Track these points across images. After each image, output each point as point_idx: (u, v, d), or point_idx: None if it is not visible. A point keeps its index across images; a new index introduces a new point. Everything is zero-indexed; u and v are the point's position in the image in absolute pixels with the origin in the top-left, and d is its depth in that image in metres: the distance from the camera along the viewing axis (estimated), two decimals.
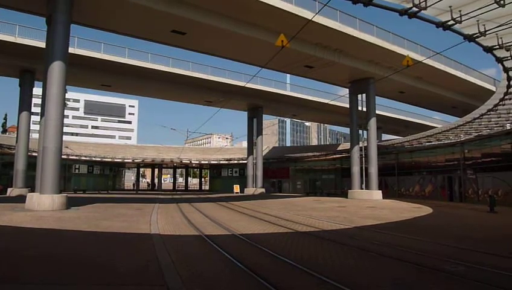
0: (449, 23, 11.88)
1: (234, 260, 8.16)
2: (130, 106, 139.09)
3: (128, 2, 23.27)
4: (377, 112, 39.32)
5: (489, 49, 13.70)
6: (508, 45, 13.78)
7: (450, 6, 11.67)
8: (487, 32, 12.45)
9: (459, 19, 11.73)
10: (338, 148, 55.97)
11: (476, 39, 12.69)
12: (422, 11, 11.18)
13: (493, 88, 40.63)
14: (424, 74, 36.07)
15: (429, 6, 11.05)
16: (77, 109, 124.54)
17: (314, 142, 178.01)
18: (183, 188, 76.38)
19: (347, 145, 46.81)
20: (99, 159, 55.70)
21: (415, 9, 11.05)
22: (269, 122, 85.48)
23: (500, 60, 15.35)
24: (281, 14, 25.28)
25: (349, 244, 10.56)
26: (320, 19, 26.21)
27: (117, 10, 24.62)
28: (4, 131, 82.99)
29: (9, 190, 33.47)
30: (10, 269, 7.18)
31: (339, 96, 42.23)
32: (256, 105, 49.22)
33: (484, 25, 12.16)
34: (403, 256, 8.70)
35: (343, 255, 9.12)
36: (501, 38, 13.45)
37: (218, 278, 7.03)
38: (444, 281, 6.89)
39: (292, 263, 7.90)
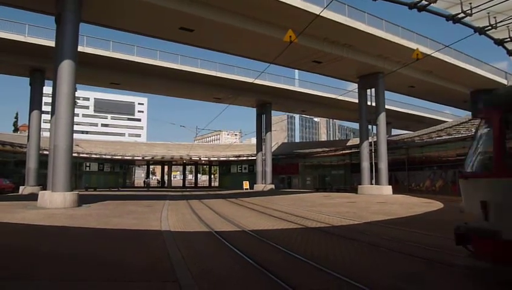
0: (459, 16, 11.73)
1: (244, 256, 8.18)
2: (139, 103, 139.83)
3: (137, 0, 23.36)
4: (387, 106, 39.06)
5: (500, 42, 13.52)
6: None
7: None
8: (498, 25, 12.28)
9: (469, 11, 11.57)
10: (347, 144, 55.71)
11: (487, 32, 12.53)
12: (432, 4, 11.05)
13: (505, 81, 40.12)
14: (434, 67, 35.69)
15: None
16: (87, 107, 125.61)
17: (323, 137, 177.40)
18: (193, 185, 76.67)
19: (356, 141, 46.55)
20: (109, 157, 56.10)
21: (424, 2, 10.93)
22: (278, 118, 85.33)
23: (511, 53, 15.15)
24: (289, 9, 25.18)
25: (360, 239, 10.52)
26: (328, 14, 26.07)
27: (125, 8, 24.73)
28: (16, 130, 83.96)
29: (21, 188, 33.88)
30: (23, 266, 7.27)
31: (347, 92, 42.09)
32: (265, 101, 49.15)
33: (495, 17, 11.99)
34: (414, 251, 8.64)
35: (354, 251, 9.09)
36: None
37: (229, 274, 7.06)
38: (455, 276, 6.84)
39: (303, 258, 7.89)
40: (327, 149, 53.85)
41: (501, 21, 12.04)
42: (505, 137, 5.79)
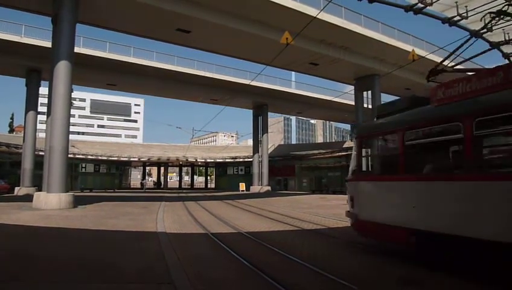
0: (455, 18, 11.76)
1: (240, 258, 8.16)
2: (135, 104, 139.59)
3: (134, 1, 23.33)
4: None
5: (496, 45, 13.54)
6: None
7: (456, 2, 11.56)
8: (494, 28, 12.32)
9: (465, 14, 11.61)
10: (344, 146, 55.80)
11: (483, 35, 12.56)
12: (428, 7, 11.08)
13: None
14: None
15: (435, 2, 10.95)
16: (83, 108, 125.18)
17: (319, 139, 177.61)
18: (189, 187, 76.57)
19: (353, 143, 46.58)
20: (105, 158, 55.98)
21: (420, 5, 10.95)
22: (274, 120, 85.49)
23: (507, 56, 15.18)
24: (286, 11, 25.23)
25: (356, 241, 10.51)
26: (325, 16, 26.13)
27: (122, 9, 24.70)
28: (11, 130, 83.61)
29: (16, 189, 33.72)
30: (18, 268, 7.22)
31: (343, 93, 42.07)
32: (262, 103, 49.18)
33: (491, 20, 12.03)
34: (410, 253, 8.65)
35: (349, 253, 9.10)
36: (508, 33, 13.31)
37: (225, 276, 7.03)
38: None
39: (299, 261, 7.88)
40: (323, 151, 53.92)
41: (496, 23, 12.09)
42: (361, 154, 9.46)
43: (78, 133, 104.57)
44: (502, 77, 6.31)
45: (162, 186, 70.38)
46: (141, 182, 67.84)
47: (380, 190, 8.53)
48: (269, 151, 53.93)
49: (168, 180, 78.24)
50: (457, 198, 6.54)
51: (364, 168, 9.71)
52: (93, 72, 35.38)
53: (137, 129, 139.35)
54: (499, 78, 6.35)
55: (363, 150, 9.60)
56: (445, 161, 7.64)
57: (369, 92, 37.47)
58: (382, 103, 37.85)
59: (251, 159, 53.88)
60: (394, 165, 8.16)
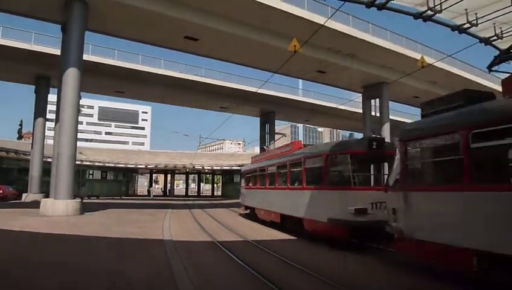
0: (465, 26, 11.69)
1: (247, 267, 8.09)
2: (143, 112, 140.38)
3: (142, 9, 23.49)
4: (391, 116, 38.92)
5: (506, 52, 13.42)
6: None
7: (466, 9, 11.48)
8: (504, 35, 12.23)
9: (475, 21, 11.53)
10: None
11: (493, 42, 12.47)
12: (437, 14, 11.02)
13: None
14: (439, 78, 35.61)
15: (444, 9, 10.89)
16: (91, 116, 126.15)
17: None
18: (196, 194, 76.53)
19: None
20: (112, 165, 56.14)
21: (429, 12, 10.89)
22: (282, 127, 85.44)
23: None
24: (294, 19, 25.25)
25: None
26: (333, 24, 26.12)
27: (130, 17, 24.86)
28: (20, 137, 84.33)
29: (24, 195, 33.88)
30: (25, 275, 7.21)
31: (348, 101, 41.88)
32: (269, 110, 49.09)
33: (501, 27, 11.95)
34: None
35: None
36: None
37: (232, 285, 6.96)
38: None
39: (309, 271, 7.79)
40: None
41: (506, 31, 12.00)
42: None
43: (86, 140, 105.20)
44: None
45: (168, 193, 70.43)
46: (148, 189, 67.95)
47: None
48: None
49: (175, 187, 78.27)
50: None
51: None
52: (102, 79, 35.58)
53: (144, 136, 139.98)
54: None
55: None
56: None
57: (377, 99, 37.30)
58: (390, 110, 37.64)
59: None
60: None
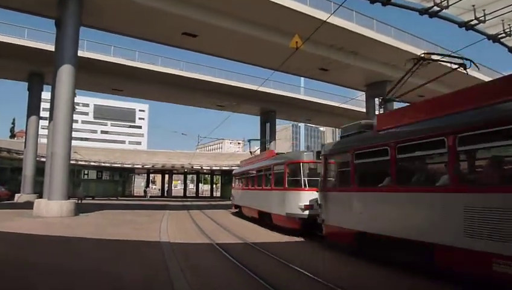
0: (472, 22, 11.69)
1: (246, 269, 8.07)
2: (140, 110, 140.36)
3: (139, 4, 23.46)
4: None
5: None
6: None
7: (473, 5, 11.50)
8: None
9: (482, 18, 11.53)
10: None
11: (501, 39, 12.46)
12: (444, 10, 11.01)
13: None
14: (444, 76, 35.56)
15: (451, 5, 10.89)
16: (86, 114, 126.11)
17: None
18: (194, 195, 76.48)
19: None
20: (108, 165, 56.10)
21: (436, 8, 10.90)
22: (282, 126, 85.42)
23: None
24: (295, 15, 25.22)
25: None
26: (336, 20, 26.08)
27: (127, 12, 24.83)
28: (12, 136, 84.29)
29: (17, 195, 33.80)
30: (20, 277, 7.19)
31: (351, 99, 41.86)
32: (269, 109, 49.10)
33: (509, 24, 11.94)
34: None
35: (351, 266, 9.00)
36: None
37: (230, 288, 6.95)
38: None
39: (310, 275, 7.78)
40: None
41: None
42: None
43: (81, 139, 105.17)
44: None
45: (166, 194, 70.38)
46: (144, 190, 67.92)
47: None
48: None
49: (173, 188, 78.21)
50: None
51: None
52: (98, 76, 35.56)
53: (141, 135, 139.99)
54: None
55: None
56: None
57: (381, 98, 37.29)
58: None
59: None
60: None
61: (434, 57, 11.21)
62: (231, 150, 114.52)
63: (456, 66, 10.49)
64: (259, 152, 27.99)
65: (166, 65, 37.12)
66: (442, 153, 7.30)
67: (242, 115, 66.01)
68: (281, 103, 46.65)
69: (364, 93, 39.04)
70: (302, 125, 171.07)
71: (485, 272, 6.07)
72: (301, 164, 14.50)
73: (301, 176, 14.25)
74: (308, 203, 13.48)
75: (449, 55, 11.13)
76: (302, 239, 13.34)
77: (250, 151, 28.87)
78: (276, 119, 52.52)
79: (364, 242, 9.25)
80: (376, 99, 37.77)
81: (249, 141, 31.32)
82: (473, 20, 11.55)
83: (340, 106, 40.06)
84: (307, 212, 13.45)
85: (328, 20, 18.38)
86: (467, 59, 10.58)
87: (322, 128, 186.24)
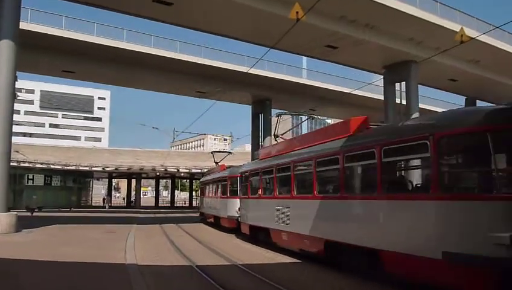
0: None
1: None
2: (99, 98, 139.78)
3: None
4: (421, 105, 39.08)
5: None
6: None
7: None
8: None
9: None
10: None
11: None
12: None
13: None
14: (483, 56, 35.80)
15: None
16: (31, 102, 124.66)
17: None
18: (169, 205, 76.42)
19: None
20: (59, 167, 55.89)
21: None
22: (281, 119, 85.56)
23: None
24: None
25: None
26: None
27: None
28: None
29: None
30: None
31: (365, 84, 41.98)
32: (263, 97, 49.03)
33: None
34: None
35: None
36: None
37: None
38: None
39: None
40: None
41: None
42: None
43: (24, 134, 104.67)
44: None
45: (133, 204, 70.19)
46: (103, 198, 67.77)
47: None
48: None
49: (141, 196, 78.08)
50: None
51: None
52: (46, 55, 35.23)
53: (101, 130, 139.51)
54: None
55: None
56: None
57: (403, 83, 37.37)
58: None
59: None
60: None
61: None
62: (215, 148, 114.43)
63: None
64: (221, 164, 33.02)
65: (133, 41, 36.88)
66: (309, 172, 13.45)
67: (229, 105, 65.78)
68: (278, 89, 46.65)
69: (382, 77, 39.14)
70: (304, 116, 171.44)
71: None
72: (238, 178, 22.89)
73: (238, 187, 23.03)
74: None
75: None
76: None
77: (215, 162, 33.47)
78: (272, 110, 52.53)
79: (254, 231, 18.40)
80: (397, 85, 37.87)
81: (212, 153, 36.82)
82: None
83: (352, 92, 40.07)
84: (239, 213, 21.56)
85: None
86: None
87: (329, 121, 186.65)
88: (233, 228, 22.25)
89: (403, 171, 10.88)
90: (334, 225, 11.55)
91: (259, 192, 17.47)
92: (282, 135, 19.73)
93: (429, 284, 8.07)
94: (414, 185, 9.66)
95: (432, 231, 8.03)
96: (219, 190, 26.28)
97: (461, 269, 7.36)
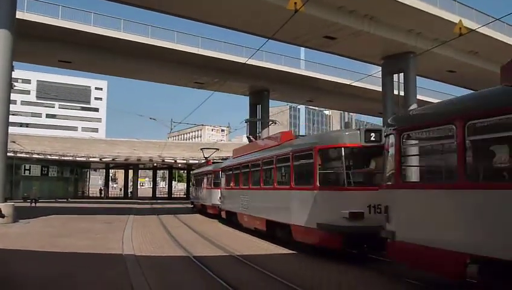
0: None
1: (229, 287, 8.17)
2: (96, 88, 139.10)
3: None
4: (419, 97, 39.06)
5: None
6: None
7: None
8: None
9: None
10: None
11: None
12: None
13: None
14: (481, 47, 35.78)
15: None
16: (28, 92, 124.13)
17: None
18: (166, 196, 76.46)
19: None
20: (56, 158, 55.79)
21: None
22: (278, 109, 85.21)
23: None
24: None
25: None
26: None
27: None
28: None
29: None
30: None
31: (365, 76, 41.95)
32: (261, 88, 48.95)
33: None
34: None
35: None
36: None
37: None
38: None
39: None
40: None
41: None
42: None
43: (21, 124, 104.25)
44: None
45: (130, 195, 70.21)
46: (101, 189, 67.72)
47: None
48: None
49: (139, 187, 78.06)
50: None
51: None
52: (42, 45, 35.08)
53: (98, 120, 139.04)
54: None
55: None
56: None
57: (401, 74, 37.32)
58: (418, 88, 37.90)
59: None
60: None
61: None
62: (213, 139, 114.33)
63: None
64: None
65: (130, 31, 36.73)
66: (258, 170, 17.63)
67: (227, 95, 65.77)
68: (275, 80, 46.56)
69: (380, 68, 39.09)
70: (302, 107, 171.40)
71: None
72: (220, 172, 26.21)
73: (219, 180, 26.37)
74: (220, 197, 25.17)
75: None
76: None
77: (206, 158, 37.68)
78: (270, 101, 52.46)
79: (229, 215, 22.35)
80: (395, 76, 37.86)
81: (202, 149, 40.87)
82: None
83: (351, 84, 40.06)
84: (219, 201, 25.10)
85: None
86: None
87: (327, 112, 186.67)
88: (216, 213, 26.12)
89: (305, 171, 13.45)
90: (269, 208, 16.10)
91: (232, 184, 21.92)
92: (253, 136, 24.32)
93: (314, 245, 12.53)
94: (306, 180, 13.14)
95: (311, 211, 12.27)
96: (205, 181, 31.35)
97: (326, 233, 11.53)
